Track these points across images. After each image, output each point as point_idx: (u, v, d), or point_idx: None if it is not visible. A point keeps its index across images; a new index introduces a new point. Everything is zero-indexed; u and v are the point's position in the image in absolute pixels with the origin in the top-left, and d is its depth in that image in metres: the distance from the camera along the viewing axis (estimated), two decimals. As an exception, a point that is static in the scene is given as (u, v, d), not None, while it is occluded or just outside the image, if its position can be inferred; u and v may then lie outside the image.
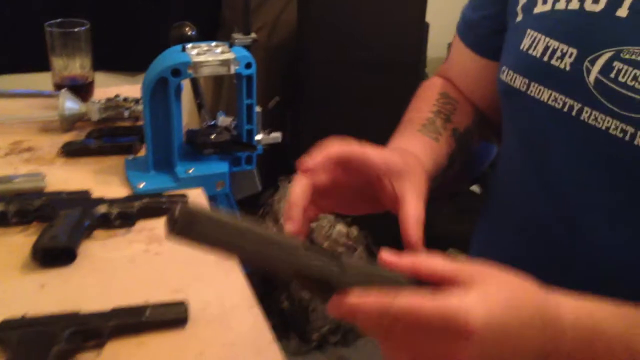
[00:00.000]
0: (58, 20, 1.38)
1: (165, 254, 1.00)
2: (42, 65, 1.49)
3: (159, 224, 1.07)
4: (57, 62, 1.41)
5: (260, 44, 2.46)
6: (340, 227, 2.26)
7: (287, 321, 2.28)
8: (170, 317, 0.84)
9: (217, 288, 0.94)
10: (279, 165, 2.19)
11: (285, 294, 2.22)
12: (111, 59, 2.70)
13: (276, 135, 1.24)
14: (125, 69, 2.69)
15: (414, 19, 2.28)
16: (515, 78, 0.69)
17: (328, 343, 2.30)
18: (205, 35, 1.33)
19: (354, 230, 2.32)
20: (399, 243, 2.34)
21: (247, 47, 1.17)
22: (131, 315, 0.83)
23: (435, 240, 2.47)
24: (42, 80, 1.56)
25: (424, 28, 2.33)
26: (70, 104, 1.34)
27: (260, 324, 0.88)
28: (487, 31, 0.81)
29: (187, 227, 0.50)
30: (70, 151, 1.26)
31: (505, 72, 0.71)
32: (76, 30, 1.36)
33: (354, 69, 2.31)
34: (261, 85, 2.59)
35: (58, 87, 1.40)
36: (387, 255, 0.52)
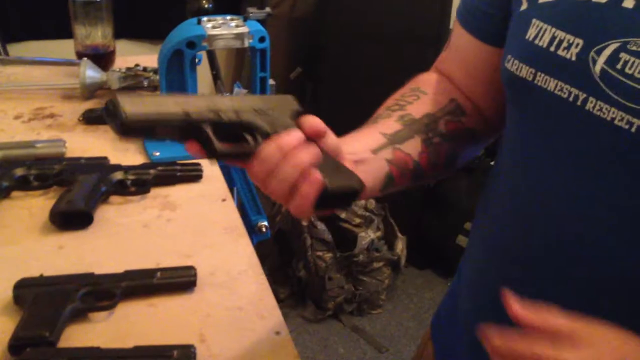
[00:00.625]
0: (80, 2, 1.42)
1: (177, 221, 1.05)
2: (65, 32, 1.54)
3: (172, 192, 1.12)
4: (80, 31, 1.45)
5: (283, 14, 2.48)
6: (358, 199, 2.30)
7: (303, 289, 2.34)
8: (179, 280, 0.89)
9: (225, 255, 0.98)
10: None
11: (302, 262, 2.27)
12: (134, 27, 2.75)
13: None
14: (147, 37, 2.74)
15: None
16: (521, 67, 0.69)
17: (343, 312, 2.35)
18: (229, 5, 1.37)
19: (372, 202, 2.36)
20: (417, 216, 2.38)
21: (261, 20, 1.20)
22: (142, 277, 0.88)
23: (452, 214, 2.50)
24: (65, 48, 1.61)
25: (446, 1, 2.33)
26: (91, 73, 1.38)
27: (265, 291, 0.92)
28: (489, 17, 0.80)
29: (114, 110, 0.60)
30: (90, 118, 1.31)
31: (511, 62, 0.71)
32: (98, 0, 1.40)
33: (375, 41, 2.32)
34: (284, 56, 2.63)
35: (80, 55, 1.45)
36: (517, 309, 0.56)
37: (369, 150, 0.77)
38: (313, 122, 0.68)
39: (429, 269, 2.62)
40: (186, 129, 0.64)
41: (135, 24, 2.75)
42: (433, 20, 2.27)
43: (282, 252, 2.34)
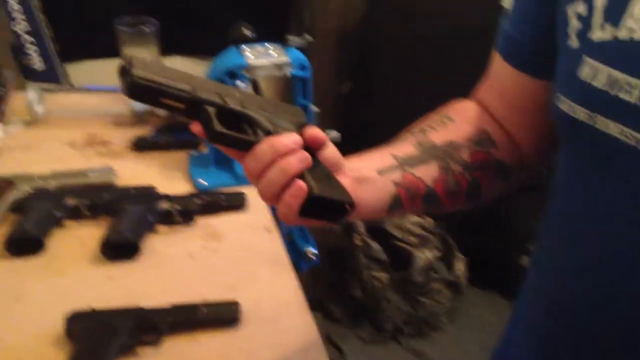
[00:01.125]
0: (128, 18, 1.50)
1: (222, 251, 1.11)
2: (115, 52, 1.63)
3: (217, 221, 1.18)
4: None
5: (332, 29, 2.53)
6: (414, 217, 2.32)
7: (359, 309, 2.37)
8: (223, 316, 0.95)
9: (269, 288, 1.04)
10: (351, 152, 2.26)
11: (357, 282, 2.30)
12: (184, 42, 2.86)
13: (335, 135, 1.32)
14: (198, 53, 2.84)
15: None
16: (576, 109, 0.70)
17: (402, 334, 2.38)
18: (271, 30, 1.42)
19: (429, 220, 2.37)
20: (474, 233, 2.38)
21: (302, 49, 1.25)
22: (188, 312, 0.94)
23: (513, 236, 2.49)
24: (111, 65, 1.69)
25: (499, 11, 2.33)
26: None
27: (309, 327, 0.97)
28: (530, 48, 0.81)
29: (128, 69, 0.66)
30: (140, 146, 1.39)
31: (565, 102, 0.71)
32: (145, 29, 1.48)
33: (427, 53, 2.34)
34: (333, 70, 2.67)
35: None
36: None
37: (374, 169, 0.79)
38: (313, 130, 0.72)
39: (492, 290, 2.62)
40: (190, 105, 0.69)
41: (185, 39, 2.85)
42: (485, 25, 2.28)
43: (336, 270, 2.38)
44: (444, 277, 2.32)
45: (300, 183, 0.67)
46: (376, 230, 2.28)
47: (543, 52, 0.80)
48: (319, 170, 0.71)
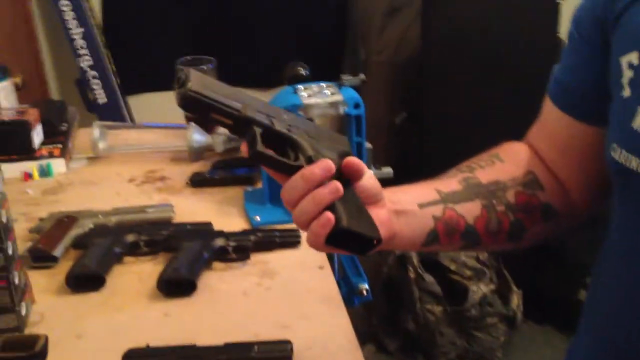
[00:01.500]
0: (188, 57, 1.54)
1: (275, 289, 1.11)
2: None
3: (271, 258, 1.19)
4: (188, 95, 1.57)
5: (387, 59, 2.55)
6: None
7: (413, 342, 2.35)
8: (275, 355, 0.94)
9: (322, 327, 1.03)
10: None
11: (411, 314, 2.28)
12: (244, 75, 2.92)
13: (387, 171, 1.32)
14: (258, 85, 2.89)
15: (544, 35, 2.27)
16: (631, 159, 0.69)
17: (456, 368, 2.34)
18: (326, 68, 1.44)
19: (484, 253, 2.34)
20: (530, 266, 2.34)
21: (355, 87, 1.26)
22: (241, 351, 0.94)
23: (570, 269, 2.44)
24: (171, 97, 1.72)
25: (557, 41, 2.30)
26: (197, 137, 1.49)
27: (361, 366, 0.96)
28: (582, 95, 0.81)
29: (184, 81, 0.69)
30: (197, 182, 1.42)
31: (618, 152, 0.71)
32: (204, 68, 1.51)
33: (481, 85, 2.33)
34: (388, 100, 2.69)
35: (188, 119, 1.57)
36: None
37: (415, 203, 0.80)
38: (352, 160, 0.73)
39: (549, 324, 2.55)
40: (237, 122, 0.71)
41: (244, 73, 2.91)
42: (542, 61, 2.25)
43: (390, 302, 2.36)
44: (500, 311, 2.28)
45: (329, 215, 0.69)
46: (431, 262, 2.26)
47: (595, 99, 0.79)
48: (351, 201, 0.72)
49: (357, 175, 0.73)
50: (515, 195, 0.85)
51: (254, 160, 0.72)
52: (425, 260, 2.26)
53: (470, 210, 0.83)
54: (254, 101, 0.73)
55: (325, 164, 0.70)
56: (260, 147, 0.71)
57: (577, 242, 2.31)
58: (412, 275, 2.23)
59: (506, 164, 0.88)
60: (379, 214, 0.75)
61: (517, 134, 0.95)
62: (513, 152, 0.90)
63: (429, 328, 2.24)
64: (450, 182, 0.85)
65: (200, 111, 0.71)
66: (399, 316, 2.34)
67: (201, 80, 0.70)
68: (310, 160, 0.72)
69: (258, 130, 0.72)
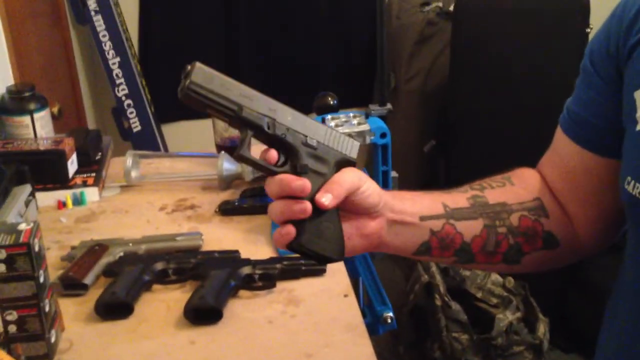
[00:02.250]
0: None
1: (300, 317, 1.11)
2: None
3: (297, 286, 1.18)
4: (219, 124, 1.59)
5: (416, 88, 2.55)
6: (496, 277, 2.26)
7: (439, 370, 2.31)
8: (298, 383, 0.94)
9: (345, 356, 1.02)
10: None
11: (437, 343, 2.25)
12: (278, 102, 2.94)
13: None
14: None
15: (572, 64, 2.24)
16: None
17: (482, 395, 2.29)
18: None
19: (511, 280, 2.31)
20: (557, 294, 2.30)
21: (383, 117, 1.26)
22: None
23: (597, 294, 2.39)
24: (204, 126, 1.73)
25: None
26: (227, 165, 1.50)
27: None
28: (595, 128, 0.81)
29: (188, 73, 0.71)
30: (225, 210, 1.42)
31: (632, 184, 0.71)
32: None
33: (508, 115, 2.31)
34: (417, 128, 2.68)
35: (219, 148, 1.58)
36: None
37: (417, 215, 0.82)
38: (340, 177, 0.75)
39: (575, 352, 2.50)
40: (232, 122, 0.74)
41: (277, 98, 2.92)
42: (572, 92, 2.23)
43: (416, 330, 2.33)
44: (526, 340, 2.24)
45: (290, 229, 0.73)
46: (457, 290, 2.23)
47: (608, 132, 0.79)
48: (324, 218, 0.75)
49: (338, 196, 0.75)
50: (519, 219, 0.85)
51: (238, 160, 0.75)
52: (451, 288, 2.24)
53: (470, 229, 0.83)
54: (259, 100, 0.75)
55: (302, 184, 0.73)
56: (243, 150, 0.74)
57: (603, 268, 2.26)
58: (438, 303, 2.20)
59: (516, 187, 0.88)
60: (365, 226, 0.78)
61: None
62: (524, 177, 0.90)
63: (456, 356, 2.20)
64: (458, 198, 0.85)
65: (198, 105, 0.73)
66: (425, 344, 2.31)
67: (205, 75, 0.72)
68: (294, 170, 0.75)
69: (250, 133, 0.74)
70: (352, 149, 0.80)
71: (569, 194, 0.86)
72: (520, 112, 2.31)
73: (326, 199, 0.73)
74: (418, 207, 0.82)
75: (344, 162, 0.79)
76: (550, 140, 0.91)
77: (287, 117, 0.76)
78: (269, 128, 0.74)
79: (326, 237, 0.75)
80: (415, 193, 0.84)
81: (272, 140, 0.76)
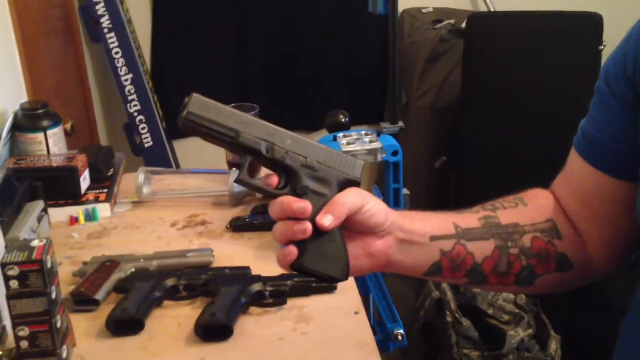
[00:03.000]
0: (232, 105, 1.56)
1: (310, 334, 1.10)
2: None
3: (307, 303, 1.18)
4: (230, 141, 1.59)
5: (428, 104, 2.55)
6: (507, 293, 2.24)
7: (450, 387, 2.29)
8: (308, 401, 0.94)
9: (355, 373, 1.02)
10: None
11: (448, 359, 2.23)
12: (286, 118, 2.95)
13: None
14: (301, 127, 2.92)
15: (585, 81, 2.23)
16: None
17: (495, 413, 2.27)
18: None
19: (523, 297, 2.29)
20: (570, 311, 2.27)
21: (394, 135, 1.26)
22: (274, 396, 0.94)
23: (610, 311, 2.37)
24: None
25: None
26: (236, 188, 1.50)
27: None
28: (610, 150, 0.80)
29: (186, 104, 0.73)
30: (237, 227, 1.42)
31: None
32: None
33: (520, 131, 2.31)
34: (428, 144, 2.68)
35: (230, 165, 1.59)
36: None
37: (428, 235, 0.81)
38: (342, 198, 0.76)
39: (588, 370, 2.48)
40: (231, 148, 0.77)
41: (289, 116, 2.95)
42: (584, 110, 2.22)
43: (427, 346, 2.32)
44: (538, 357, 2.22)
45: (292, 249, 0.75)
46: (468, 307, 2.22)
47: (623, 154, 0.78)
48: (327, 239, 0.76)
49: (339, 216, 0.75)
50: (531, 240, 0.84)
51: (239, 184, 0.78)
52: (462, 304, 2.22)
53: (481, 250, 0.83)
54: (257, 126, 0.77)
55: (303, 206, 0.74)
56: (242, 175, 0.77)
57: (618, 287, 2.24)
58: (449, 319, 2.19)
59: (528, 208, 0.87)
60: (372, 245, 0.78)
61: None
62: (537, 198, 0.90)
63: (467, 373, 2.18)
64: (470, 218, 0.85)
65: (198, 134, 0.75)
66: (436, 360, 2.29)
67: (202, 105, 0.74)
68: (294, 192, 0.76)
69: (248, 158, 0.76)
70: (355, 168, 0.80)
71: (583, 215, 0.85)
72: (533, 129, 2.30)
73: (327, 220, 0.74)
74: (429, 227, 0.81)
75: (347, 182, 0.79)
76: (563, 158, 0.91)
77: (287, 141, 0.78)
78: (267, 152, 0.77)
79: (329, 257, 0.76)
80: (425, 213, 0.84)
81: (271, 163, 0.78)
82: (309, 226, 0.74)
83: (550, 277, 0.85)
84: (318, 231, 0.75)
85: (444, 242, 0.81)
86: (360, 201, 0.76)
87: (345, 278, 0.78)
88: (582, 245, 0.85)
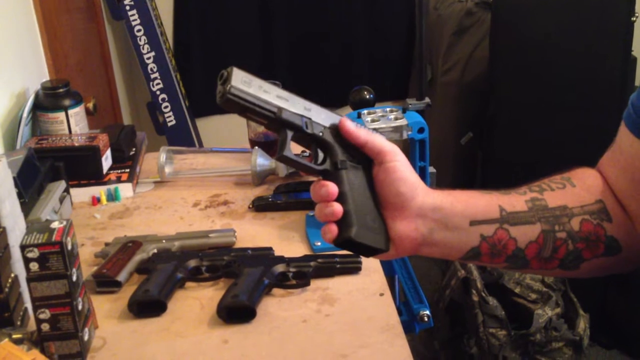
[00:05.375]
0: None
1: (334, 316, 1.08)
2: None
3: (331, 284, 1.16)
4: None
5: (454, 80, 2.49)
6: (535, 272, 2.21)
7: (476, 366, 2.27)
8: (332, 384, 0.92)
9: (381, 357, 0.99)
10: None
11: (474, 339, 2.21)
12: (314, 95, 2.92)
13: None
14: (326, 105, 2.88)
15: (616, 54, 2.17)
16: None
17: (520, 393, 2.25)
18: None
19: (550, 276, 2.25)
20: (597, 289, 2.25)
21: (420, 111, 1.23)
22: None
23: (636, 288, 2.31)
24: (238, 120, 1.72)
25: (629, 63, 2.20)
26: (261, 160, 1.48)
27: (419, 397, 0.92)
28: None
29: (227, 78, 0.72)
30: (259, 206, 1.40)
31: None
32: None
33: (547, 108, 2.25)
34: (454, 120, 2.63)
35: (253, 143, 1.56)
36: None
37: (469, 219, 0.79)
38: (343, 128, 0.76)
39: (616, 348, 2.44)
40: (271, 124, 0.75)
41: (313, 91, 2.90)
42: (614, 85, 2.16)
43: (453, 326, 2.30)
44: (565, 336, 2.18)
45: (330, 227, 0.76)
46: (494, 286, 2.19)
47: None
48: (369, 211, 0.76)
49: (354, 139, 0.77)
50: (580, 223, 0.81)
51: (281, 161, 0.76)
52: (489, 283, 2.19)
53: (526, 234, 0.80)
54: (294, 101, 0.76)
55: (325, 190, 0.75)
56: (287, 151, 0.75)
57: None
58: (475, 298, 2.16)
59: (577, 189, 0.83)
60: (401, 226, 0.77)
61: (587, 159, 0.90)
62: (585, 177, 0.85)
63: (493, 352, 2.16)
64: (517, 200, 0.81)
65: (237, 109, 0.73)
66: (461, 340, 2.27)
67: (243, 80, 0.72)
68: (335, 166, 0.76)
69: (290, 133, 0.75)
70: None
71: (631, 192, 0.81)
72: (563, 104, 2.24)
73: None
74: (471, 210, 0.78)
75: None
76: (595, 134, 0.87)
77: (321, 115, 0.77)
78: (307, 127, 0.75)
79: (374, 229, 0.76)
80: (470, 194, 0.81)
81: (310, 139, 0.77)
82: (337, 209, 0.75)
83: (598, 261, 0.81)
84: (360, 205, 0.76)
85: (485, 226, 0.78)
86: (390, 146, 0.78)
87: (387, 249, 0.78)
88: (632, 227, 0.82)
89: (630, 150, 0.81)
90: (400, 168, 0.77)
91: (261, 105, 0.73)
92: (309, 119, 0.76)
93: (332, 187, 0.75)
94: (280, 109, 0.74)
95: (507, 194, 0.82)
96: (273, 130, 0.76)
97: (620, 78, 2.16)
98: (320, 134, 0.77)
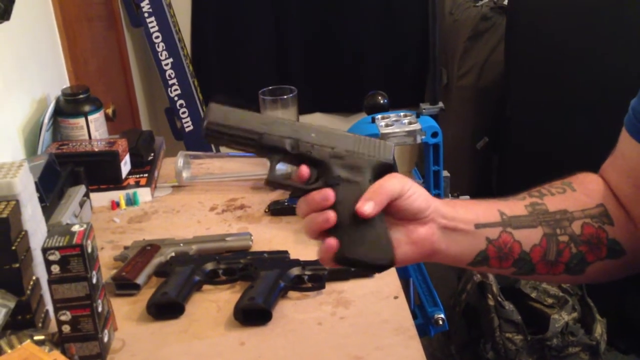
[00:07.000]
0: (270, 87, 1.55)
1: (349, 319, 1.09)
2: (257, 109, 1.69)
3: (346, 287, 1.17)
4: (268, 124, 1.58)
5: (470, 84, 2.50)
6: (551, 276, 2.20)
7: (493, 370, 2.27)
8: (347, 386, 0.93)
9: (396, 359, 1.00)
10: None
11: (490, 343, 2.21)
12: (327, 100, 2.94)
13: (464, 199, 1.29)
14: (340, 110, 2.90)
15: (635, 55, 2.15)
16: None
17: (537, 397, 2.24)
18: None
19: (567, 280, 2.24)
20: (618, 295, 2.24)
21: (434, 116, 1.24)
22: (313, 381, 0.93)
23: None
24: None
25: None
26: (278, 165, 1.49)
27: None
28: None
29: (206, 114, 0.74)
30: (275, 210, 1.41)
31: None
32: (285, 97, 1.52)
33: (564, 113, 2.24)
34: (470, 124, 2.63)
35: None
36: None
37: (472, 223, 0.79)
38: (382, 184, 0.74)
39: (634, 353, 2.42)
40: (257, 151, 0.77)
41: (326, 99, 2.94)
42: (634, 89, 2.14)
43: (468, 330, 2.29)
44: (582, 341, 2.17)
45: (330, 242, 0.74)
46: (511, 290, 2.18)
47: None
48: (369, 226, 0.74)
49: (380, 201, 0.74)
50: (581, 227, 0.82)
51: (269, 186, 0.78)
52: (505, 287, 2.19)
53: (529, 238, 0.80)
54: (279, 125, 0.76)
55: (323, 194, 0.74)
56: (271, 175, 0.77)
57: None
58: (491, 303, 2.15)
59: (577, 193, 0.84)
60: (414, 231, 0.76)
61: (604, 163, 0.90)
62: (586, 182, 0.87)
63: (509, 357, 2.15)
64: (515, 206, 0.82)
65: (222, 142, 0.75)
66: (477, 344, 2.27)
67: (221, 114, 0.74)
68: (327, 184, 0.75)
69: (276, 157, 0.77)
70: (385, 150, 0.79)
71: (636, 198, 0.82)
72: (580, 108, 2.23)
73: (368, 206, 0.73)
74: (473, 214, 0.79)
75: (380, 166, 0.78)
76: (610, 137, 0.87)
77: (311, 134, 0.77)
78: (293, 149, 0.76)
79: (372, 245, 0.75)
80: (468, 201, 0.82)
81: (299, 159, 0.77)
82: (331, 214, 0.74)
83: (602, 265, 0.82)
84: (358, 220, 0.74)
85: (489, 229, 0.79)
86: (400, 186, 0.75)
87: (391, 264, 0.76)
88: (635, 230, 0.82)
89: (632, 154, 0.82)
90: (415, 193, 0.76)
91: (240, 135, 0.74)
92: (296, 139, 0.76)
93: (328, 191, 0.74)
94: (260, 134, 0.75)
95: (505, 200, 0.83)
96: (263, 157, 0.77)
97: (638, 79, 2.14)
98: (308, 152, 0.77)
